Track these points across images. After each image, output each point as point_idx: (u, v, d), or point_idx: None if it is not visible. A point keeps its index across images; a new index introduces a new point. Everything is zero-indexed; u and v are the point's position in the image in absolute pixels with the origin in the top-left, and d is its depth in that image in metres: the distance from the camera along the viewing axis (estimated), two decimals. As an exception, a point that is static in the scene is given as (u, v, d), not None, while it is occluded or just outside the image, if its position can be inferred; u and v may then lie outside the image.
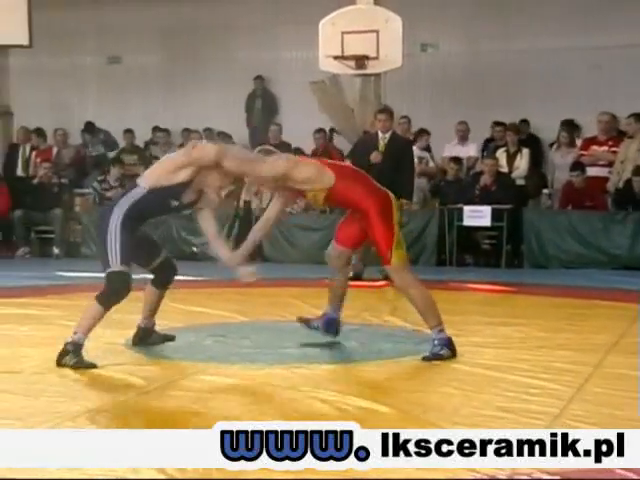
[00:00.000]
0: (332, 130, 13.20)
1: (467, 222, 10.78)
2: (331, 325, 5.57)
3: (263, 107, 14.34)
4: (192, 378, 4.64)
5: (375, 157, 9.10)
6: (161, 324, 5.59)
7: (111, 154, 14.01)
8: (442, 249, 11.01)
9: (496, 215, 10.69)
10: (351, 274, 8.08)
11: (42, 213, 12.15)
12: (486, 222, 10.74)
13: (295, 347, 5.51)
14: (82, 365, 4.74)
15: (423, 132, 12.54)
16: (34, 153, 13.24)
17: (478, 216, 10.74)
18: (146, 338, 5.38)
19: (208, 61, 14.61)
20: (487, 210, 10.70)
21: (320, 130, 12.78)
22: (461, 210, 10.84)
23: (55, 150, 13.51)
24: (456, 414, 3.87)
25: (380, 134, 9.32)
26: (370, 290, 8.44)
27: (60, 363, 4.76)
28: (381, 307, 7.22)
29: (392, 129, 9.43)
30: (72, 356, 4.76)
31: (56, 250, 12.02)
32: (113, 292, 4.88)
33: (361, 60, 12.23)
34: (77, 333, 4.83)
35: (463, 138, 12.51)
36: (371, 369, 4.84)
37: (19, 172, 13.26)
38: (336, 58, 12.25)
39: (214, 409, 3.95)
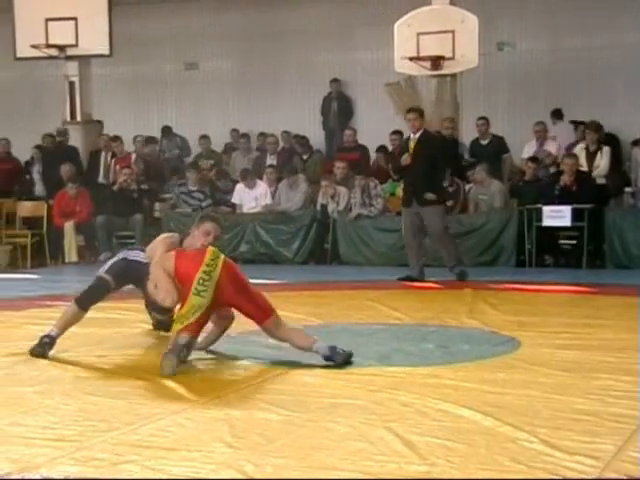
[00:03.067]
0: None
1: (547, 222, 10.61)
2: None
3: (339, 110, 14.36)
4: (272, 381, 4.67)
5: (405, 160, 9.02)
6: (237, 328, 5.66)
7: (187, 159, 14.21)
8: (521, 250, 10.87)
9: (577, 215, 10.50)
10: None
11: (123, 219, 12.36)
12: (566, 222, 10.55)
13: (373, 350, 5.50)
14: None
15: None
16: (114, 160, 13.49)
17: (558, 216, 10.56)
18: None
19: (284, 65, 14.71)
20: (567, 210, 10.51)
21: (396, 132, 12.74)
22: (540, 210, 10.68)
23: (134, 157, 13.74)
24: (537, 417, 3.81)
25: (411, 135, 9.15)
26: (447, 292, 8.37)
27: (33, 353, 5.28)
28: (459, 309, 7.16)
29: (423, 128, 9.14)
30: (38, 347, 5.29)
31: (137, 255, 12.19)
32: (89, 291, 5.57)
33: (437, 61, 12.17)
34: (53, 330, 5.40)
35: (542, 138, 12.33)
36: (450, 371, 4.80)
37: (100, 179, 13.53)
38: (411, 59, 12.21)
39: (294, 412, 3.96)
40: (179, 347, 4.88)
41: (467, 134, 12.77)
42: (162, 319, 5.95)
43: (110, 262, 5.75)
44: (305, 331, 5.43)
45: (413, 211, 9.16)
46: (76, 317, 5.52)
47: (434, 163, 8.99)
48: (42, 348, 5.32)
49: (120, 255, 5.78)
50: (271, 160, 13.37)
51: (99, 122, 14.14)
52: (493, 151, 12.21)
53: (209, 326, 5.40)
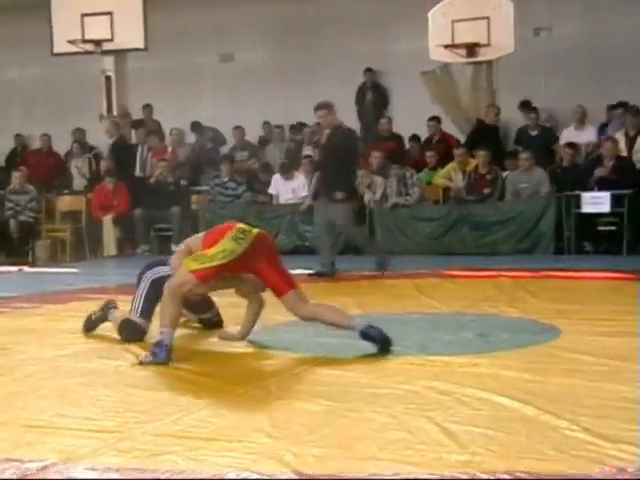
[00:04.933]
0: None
1: (586, 209, 10.52)
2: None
3: (374, 99, 14.32)
4: (311, 371, 4.67)
5: (316, 155, 8.91)
6: (277, 319, 5.67)
7: (222, 149, 14.26)
8: (560, 237, 10.78)
9: (616, 201, 10.39)
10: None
11: (161, 211, 12.44)
12: (605, 208, 10.46)
13: (411, 339, 5.49)
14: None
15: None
16: (151, 153, 13.58)
17: (597, 202, 10.47)
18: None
19: (318, 55, 14.69)
20: (606, 196, 10.42)
21: (434, 118, 12.70)
22: (579, 197, 10.58)
23: (170, 149, 13.83)
24: (579, 405, 3.78)
25: (325, 130, 8.90)
26: (486, 280, 8.33)
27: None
28: (498, 297, 7.12)
29: (335, 124, 8.74)
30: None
31: (174, 247, 12.26)
32: (123, 339, 5.48)
33: (472, 48, 12.11)
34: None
35: (580, 122, 12.21)
36: (489, 360, 4.77)
37: (137, 172, 13.63)
38: (447, 47, 12.16)
39: (334, 402, 3.96)
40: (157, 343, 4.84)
41: (504, 121, 12.69)
42: (206, 317, 5.93)
43: (141, 297, 5.50)
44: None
45: (322, 205, 8.97)
46: None
47: (343, 159, 8.68)
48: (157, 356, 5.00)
49: (147, 281, 5.53)
50: (307, 151, 13.39)
51: (148, 106, 14.29)
52: (542, 142, 12.13)
53: (241, 315, 5.42)
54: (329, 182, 8.83)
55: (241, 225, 5.08)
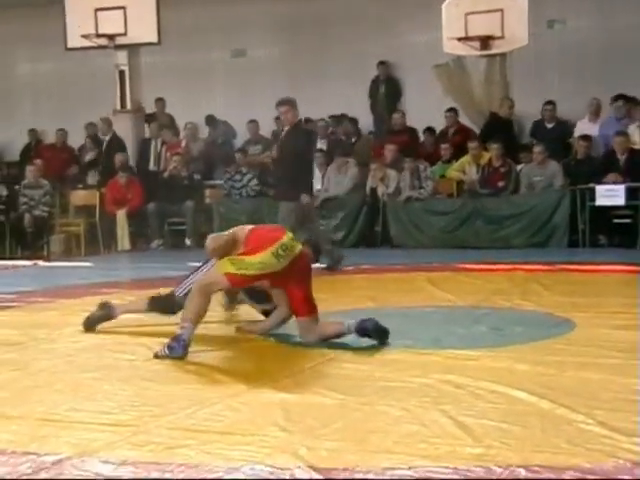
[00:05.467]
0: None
1: (600, 202, 10.48)
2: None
3: (387, 93, 14.29)
4: (325, 364, 4.68)
5: (273, 153, 8.74)
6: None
7: (234, 142, 14.27)
8: (574, 230, 10.74)
9: (631, 193, 10.34)
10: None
11: (174, 205, 12.46)
12: (620, 201, 10.41)
13: (425, 333, 5.48)
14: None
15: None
16: (165, 147, 13.60)
17: (611, 195, 10.43)
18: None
19: (331, 49, 14.66)
20: (621, 189, 10.37)
21: (451, 109, 12.68)
22: (593, 190, 10.53)
23: (184, 143, 13.85)
24: (594, 398, 3.76)
25: (285, 127, 8.73)
26: (500, 274, 8.31)
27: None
28: (512, 290, 7.10)
29: (295, 121, 8.61)
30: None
31: (188, 241, 12.31)
32: (159, 311, 5.59)
33: (486, 40, 12.06)
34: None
35: (595, 115, 12.15)
36: (503, 353, 4.76)
37: (151, 166, 13.66)
38: (460, 40, 12.12)
39: (348, 396, 3.96)
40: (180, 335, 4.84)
41: (518, 114, 12.64)
42: (268, 309, 5.72)
43: (192, 280, 5.44)
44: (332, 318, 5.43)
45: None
46: None
47: (299, 158, 8.56)
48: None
49: (209, 265, 5.42)
50: (320, 145, 13.38)
51: (160, 100, 14.33)
52: (557, 135, 12.09)
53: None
54: (284, 180, 8.67)
55: (285, 240, 5.01)
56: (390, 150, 12.00)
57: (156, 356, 4.85)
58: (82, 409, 3.86)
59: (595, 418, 3.45)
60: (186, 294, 5.31)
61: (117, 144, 13.58)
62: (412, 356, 4.75)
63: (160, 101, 14.60)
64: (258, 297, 5.70)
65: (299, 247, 5.12)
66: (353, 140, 13.61)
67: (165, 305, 5.55)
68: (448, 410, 3.63)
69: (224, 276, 4.95)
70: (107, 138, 13.83)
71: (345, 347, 5.04)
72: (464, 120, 13.03)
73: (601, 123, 11.99)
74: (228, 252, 5.00)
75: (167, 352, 4.82)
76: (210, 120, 14.60)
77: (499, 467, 2.96)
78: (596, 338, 5.04)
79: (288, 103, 8.51)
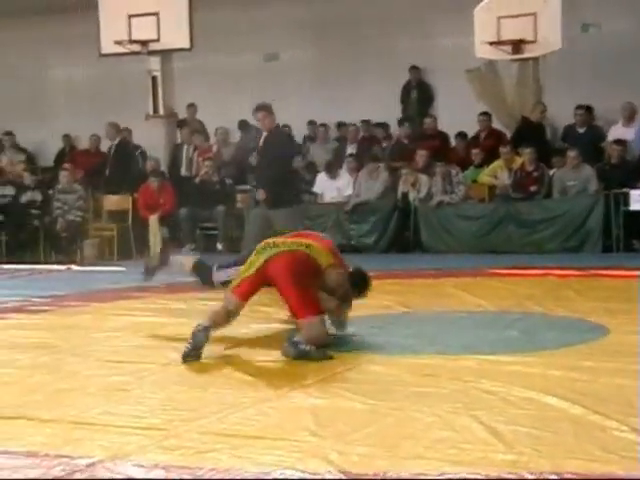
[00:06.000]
0: None
1: (634, 207, 10.36)
2: None
3: (418, 97, 14.25)
4: (355, 369, 4.67)
5: (253, 160, 8.46)
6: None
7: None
8: (608, 235, 10.64)
9: (665, 198, 10.23)
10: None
11: (206, 210, 12.51)
12: (654, 206, 10.29)
13: (457, 338, 5.46)
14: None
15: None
16: (197, 152, 13.66)
17: (646, 200, 10.31)
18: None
19: (363, 53, 14.65)
20: (655, 194, 10.26)
21: (484, 113, 12.62)
22: (627, 194, 10.43)
23: (215, 148, 13.89)
24: (627, 405, 3.73)
25: (264, 133, 8.47)
26: (532, 279, 8.25)
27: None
28: (544, 296, 7.05)
29: (273, 126, 8.37)
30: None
31: (219, 246, 12.35)
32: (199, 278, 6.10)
33: (518, 44, 11.98)
34: None
35: (629, 119, 12.03)
36: (535, 359, 4.72)
37: (183, 171, 13.72)
38: (492, 44, 12.05)
39: (379, 401, 3.96)
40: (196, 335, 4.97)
41: (550, 118, 12.56)
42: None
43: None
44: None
45: (261, 212, 8.38)
46: None
47: (281, 163, 8.34)
48: None
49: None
50: (351, 149, 13.36)
51: (192, 105, 14.41)
52: (589, 139, 11.98)
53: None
54: (268, 186, 8.35)
55: (272, 240, 5.30)
56: (421, 155, 11.96)
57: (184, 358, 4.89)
58: (114, 412, 3.89)
59: (629, 425, 3.42)
60: (223, 283, 5.56)
61: (124, 149, 13.64)
62: (443, 361, 4.73)
63: (191, 107, 14.66)
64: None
65: (281, 249, 5.20)
66: (384, 145, 13.58)
67: (205, 276, 5.91)
68: (479, 416, 3.61)
69: (231, 293, 5.18)
70: (115, 142, 13.84)
71: (375, 352, 5.03)
72: (496, 124, 12.97)
73: (636, 127, 11.87)
74: None
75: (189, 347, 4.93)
76: (243, 125, 14.63)
77: (531, 474, 2.94)
78: (630, 344, 4.99)
79: (265, 109, 8.34)
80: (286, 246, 5.24)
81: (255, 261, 5.18)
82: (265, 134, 8.41)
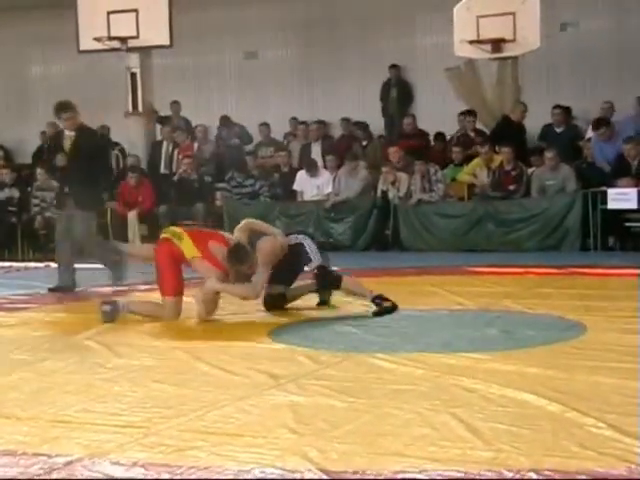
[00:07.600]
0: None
1: (612, 205, 10.43)
2: None
3: (398, 96, 14.28)
4: (335, 367, 4.67)
5: (60, 161, 8.32)
6: (301, 314, 5.67)
7: (248, 147, 14.27)
8: (586, 233, 10.71)
9: (643, 197, 10.30)
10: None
11: (185, 208, 12.48)
12: (632, 205, 10.36)
13: (437, 336, 5.47)
14: None
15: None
16: (177, 150, 13.62)
17: (623, 199, 10.38)
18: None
19: (343, 52, 14.67)
20: (633, 192, 10.33)
21: (467, 112, 12.66)
22: (605, 193, 10.50)
23: (196, 146, 13.86)
24: (605, 402, 3.75)
25: (66, 132, 8.29)
26: (511, 277, 8.29)
27: None
28: (523, 294, 7.08)
29: (79, 124, 8.22)
30: None
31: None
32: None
33: (497, 43, 12.03)
34: None
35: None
36: (514, 357, 4.74)
37: (162, 169, 13.67)
38: (472, 43, 12.09)
39: (358, 398, 3.96)
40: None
41: (529, 117, 12.61)
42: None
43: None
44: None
45: (68, 214, 8.25)
46: None
47: (92, 162, 8.18)
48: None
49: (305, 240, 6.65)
50: (316, 148, 13.36)
51: (176, 103, 14.35)
52: (567, 139, 12.05)
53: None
54: (79, 186, 8.19)
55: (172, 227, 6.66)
56: (400, 153, 11.97)
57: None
58: (93, 410, 3.87)
59: (606, 422, 3.44)
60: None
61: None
62: (423, 359, 4.74)
63: (176, 104, 14.62)
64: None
65: (166, 235, 6.36)
66: (364, 143, 13.60)
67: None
68: (459, 413, 3.62)
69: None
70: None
71: (355, 350, 5.04)
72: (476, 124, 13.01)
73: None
74: None
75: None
76: (225, 121, 14.61)
77: (509, 471, 2.95)
78: (607, 342, 5.02)
79: (70, 109, 8.19)
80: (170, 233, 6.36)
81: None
82: (73, 133, 8.18)
